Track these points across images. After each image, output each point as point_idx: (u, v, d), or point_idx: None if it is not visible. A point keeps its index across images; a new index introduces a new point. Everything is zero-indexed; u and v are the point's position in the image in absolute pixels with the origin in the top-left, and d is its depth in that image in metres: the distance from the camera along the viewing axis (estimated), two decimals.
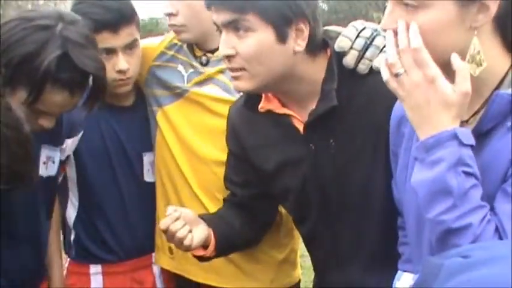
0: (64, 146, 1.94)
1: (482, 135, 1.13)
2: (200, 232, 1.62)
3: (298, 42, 1.48)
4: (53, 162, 1.89)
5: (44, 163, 1.85)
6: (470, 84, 1.15)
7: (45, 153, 1.85)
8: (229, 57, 1.48)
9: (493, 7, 1.11)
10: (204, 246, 1.68)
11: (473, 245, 1.00)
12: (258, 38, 1.45)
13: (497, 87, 1.15)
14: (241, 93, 1.73)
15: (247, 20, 1.44)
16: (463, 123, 1.19)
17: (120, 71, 2.01)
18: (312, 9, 1.48)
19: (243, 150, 1.71)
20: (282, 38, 1.46)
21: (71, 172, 2.09)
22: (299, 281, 2.14)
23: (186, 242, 1.59)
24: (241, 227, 1.75)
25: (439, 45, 1.13)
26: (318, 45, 1.52)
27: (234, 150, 1.75)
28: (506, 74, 1.15)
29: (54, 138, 1.88)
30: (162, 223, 1.58)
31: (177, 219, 1.58)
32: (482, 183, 1.11)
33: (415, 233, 1.27)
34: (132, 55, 2.03)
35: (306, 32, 1.47)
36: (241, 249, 1.85)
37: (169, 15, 1.96)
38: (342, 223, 1.59)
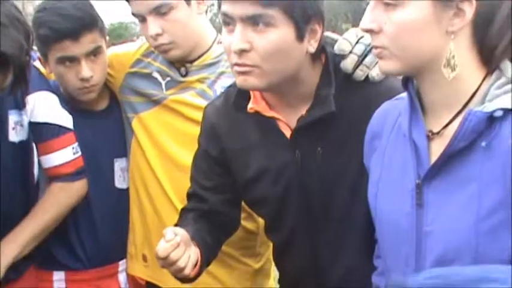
0: (27, 106, 1.92)
1: (456, 152, 1.12)
2: (193, 256, 1.52)
3: (311, 42, 1.44)
4: (21, 125, 1.89)
5: (13, 128, 1.85)
6: (442, 95, 1.16)
7: (12, 118, 1.86)
8: (241, 53, 1.39)
9: (469, 12, 1.11)
10: None
11: (439, 269, 1.02)
12: (280, 34, 1.38)
13: (469, 101, 1.14)
14: (219, 94, 1.71)
15: (271, 14, 1.37)
16: (434, 134, 1.18)
17: (83, 79, 1.99)
18: (324, 11, 1.45)
19: (222, 152, 1.64)
20: (300, 36, 1.40)
21: (42, 173, 2.06)
22: None
23: (187, 271, 1.47)
24: (212, 242, 1.66)
25: (414, 46, 1.13)
26: (319, 49, 1.49)
27: (210, 152, 1.66)
28: (479, 87, 1.14)
29: (18, 101, 1.88)
30: (163, 250, 1.42)
31: (178, 245, 1.43)
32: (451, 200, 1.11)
33: (389, 247, 1.26)
34: (96, 62, 2.01)
35: (319, 33, 1.44)
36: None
37: (156, 35, 1.90)
38: (322, 233, 1.55)
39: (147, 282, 2.16)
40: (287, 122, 1.53)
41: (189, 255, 1.48)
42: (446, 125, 1.17)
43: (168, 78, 2.04)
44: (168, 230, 1.47)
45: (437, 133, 1.18)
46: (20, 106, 1.90)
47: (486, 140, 1.09)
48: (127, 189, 2.17)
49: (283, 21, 1.38)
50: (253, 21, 1.38)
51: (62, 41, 1.95)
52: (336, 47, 1.49)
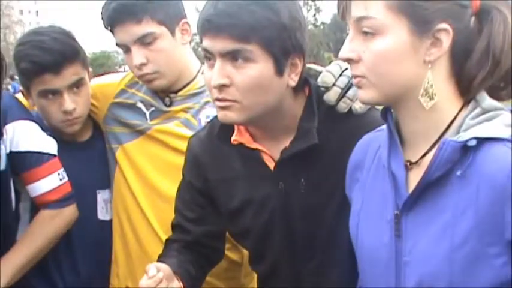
0: (5, 136, 1.89)
1: (432, 182, 1.13)
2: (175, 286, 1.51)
3: (291, 76, 1.44)
4: None
5: None
6: (420, 125, 1.17)
7: None
8: (221, 88, 1.40)
9: (446, 41, 1.12)
10: None
11: None
12: (258, 69, 1.39)
13: (445, 131, 1.16)
14: (204, 125, 1.71)
15: (249, 50, 1.37)
16: (412, 164, 1.19)
17: (66, 112, 1.99)
18: (306, 45, 1.46)
19: (206, 183, 1.64)
20: (279, 71, 1.41)
21: (25, 199, 2.04)
22: None
23: None
24: (196, 274, 1.65)
25: (392, 74, 1.14)
26: (301, 81, 1.49)
27: (194, 182, 1.66)
28: (455, 118, 1.15)
29: None
30: (145, 285, 1.42)
31: (161, 281, 1.43)
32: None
33: (370, 277, 1.26)
34: (79, 94, 2.01)
35: (300, 67, 1.45)
36: None
37: (141, 65, 1.91)
38: (305, 264, 1.55)
39: None
40: (271, 153, 1.53)
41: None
42: (424, 155, 1.17)
43: (153, 108, 2.04)
44: (151, 266, 1.46)
45: (416, 163, 1.19)
46: None
47: (461, 169, 1.10)
48: (110, 221, 2.15)
49: (261, 56, 1.39)
50: (232, 56, 1.39)
51: (43, 74, 1.95)
52: (319, 80, 1.50)
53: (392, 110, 1.23)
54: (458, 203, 1.10)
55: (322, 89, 1.50)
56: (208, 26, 1.40)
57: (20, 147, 1.95)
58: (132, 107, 2.07)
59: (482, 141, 1.09)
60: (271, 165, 1.53)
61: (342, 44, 1.20)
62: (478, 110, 1.14)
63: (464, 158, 1.10)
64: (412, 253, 1.16)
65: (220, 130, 1.56)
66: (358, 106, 1.48)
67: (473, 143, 1.09)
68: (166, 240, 1.75)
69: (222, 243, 1.76)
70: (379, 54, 1.14)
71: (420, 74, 1.14)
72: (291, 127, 1.50)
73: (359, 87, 1.19)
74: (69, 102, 1.98)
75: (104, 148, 2.14)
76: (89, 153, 2.15)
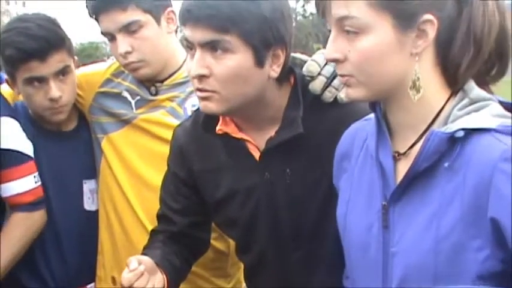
0: None
1: (420, 173, 1.12)
2: (158, 284, 1.50)
3: (273, 67, 1.44)
4: None
5: None
6: (408, 116, 1.16)
7: None
8: (201, 78, 1.40)
9: (431, 33, 1.11)
10: None
11: None
12: (237, 60, 1.39)
13: (433, 121, 1.15)
14: (190, 115, 1.70)
15: (228, 40, 1.37)
16: (400, 155, 1.19)
17: (52, 99, 1.96)
18: (289, 36, 1.45)
19: (190, 173, 1.63)
20: (260, 62, 1.40)
21: None
22: None
23: None
24: (181, 265, 1.65)
25: (380, 72, 1.13)
26: (286, 71, 1.49)
27: (179, 173, 1.65)
28: (442, 108, 1.15)
29: None
30: (126, 280, 1.41)
31: (142, 274, 1.42)
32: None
33: (357, 268, 1.26)
34: (65, 82, 1.99)
35: (282, 58, 1.44)
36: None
37: (126, 53, 1.90)
38: (292, 254, 1.54)
39: None
40: (256, 143, 1.52)
41: (153, 284, 1.46)
42: (412, 146, 1.17)
43: (138, 97, 2.03)
44: (133, 258, 1.46)
45: (404, 154, 1.18)
46: None
47: (448, 161, 1.10)
48: (96, 211, 2.14)
49: (240, 47, 1.39)
50: (211, 46, 1.39)
51: (28, 61, 1.93)
52: (304, 69, 1.49)
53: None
54: (445, 194, 1.10)
55: (308, 78, 1.49)
56: (188, 16, 1.40)
57: (1, 145, 1.93)
58: (118, 96, 2.06)
59: (470, 132, 1.08)
60: (257, 155, 1.52)
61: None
62: (465, 101, 1.13)
63: (452, 149, 1.09)
64: (399, 244, 1.16)
65: (204, 120, 1.56)
66: (344, 95, 1.46)
67: (461, 134, 1.08)
68: (152, 230, 1.74)
69: (207, 233, 1.75)
70: (365, 53, 1.12)
71: (407, 67, 1.13)
72: (276, 117, 1.49)
73: (347, 85, 1.18)
74: (55, 89, 1.97)
75: (90, 138, 2.12)
76: (74, 143, 2.13)
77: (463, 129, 1.08)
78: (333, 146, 1.41)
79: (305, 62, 1.52)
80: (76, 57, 2.11)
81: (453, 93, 1.16)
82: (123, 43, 1.91)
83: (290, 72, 1.51)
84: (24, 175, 1.97)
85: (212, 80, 1.41)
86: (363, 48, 1.12)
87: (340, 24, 1.14)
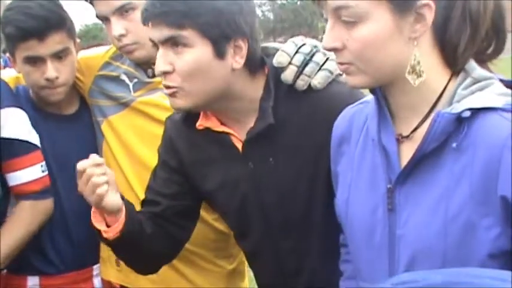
0: None
1: (426, 155, 1.11)
2: (116, 197, 1.47)
3: (236, 59, 1.43)
4: None
5: None
6: (409, 99, 1.15)
7: None
8: (165, 74, 1.42)
9: (429, 16, 1.09)
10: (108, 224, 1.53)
11: (408, 274, 1.01)
12: (196, 54, 1.40)
13: (436, 102, 1.14)
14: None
15: (185, 35, 1.39)
16: (404, 138, 1.17)
17: (48, 79, 1.96)
18: (250, 27, 1.44)
19: (181, 165, 1.63)
20: (220, 54, 1.41)
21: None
22: None
23: (100, 191, 1.43)
24: (152, 235, 1.60)
25: (379, 58, 1.12)
26: (256, 62, 1.48)
27: (170, 163, 1.65)
28: (445, 89, 1.14)
29: None
30: (80, 164, 1.44)
31: (98, 165, 1.44)
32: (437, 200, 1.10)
33: (361, 252, 1.25)
34: (63, 63, 1.97)
35: (245, 50, 1.43)
36: (146, 259, 1.66)
37: (120, 36, 1.90)
38: (284, 240, 1.55)
39: (121, 286, 2.14)
40: (238, 135, 1.53)
41: (106, 180, 1.45)
42: (416, 128, 1.16)
43: (135, 80, 2.03)
44: (94, 154, 1.48)
45: (407, 136, 1.17)
46: None
47: (456, 141, 1.09)
48: None
49: (198, 41, 1.40)
50: (172, 43, 1.41)
51: (27, 40, 1.92)
52: (274, 60, 1.49)
53: None
54: (452, 174, 1.09)
55: (280, 68, 1.49)
56: (146, 15, 1.42)
57: (8, 134, 1.94)
58: (116, 79, 2.06)
59: (476, 111, 1.08)
60: (240, 146, 1.52)
61: None
62: (468, 80, 1.12)
63: (459, 130, 1.09)
64: (406, 226, 1.15)
65: (185, 116, 1.57)
66: (317, 82, 1.47)
67: (468, 114, 1.07)
68: None
69: (190, 223, 1.71)
70: (364, 41, 1.11)
71: (406, 52, 1.12)
72: (254, 108, 1.50)
73: (347, 73, 1.17)
74: (51, 70, 1.96)
75: (91, 121, 2.12)
76: (76, 126, 2.13)
77: (469, 109, 1.07)
78: (312, 131, 1.42)
79: (277, 50, 1.51)
80: (78, 40, 2.10)
81: (454, 74, 1.15)
82: (117, 25, 1.91)
83: (263, 63, 1.51)
84: (31, 164, 1.97)
85: (175, 75, 1.42)
86: (361, 36, 1.11)
87: (337, 13, 1.13)
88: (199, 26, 1.39)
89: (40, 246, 2.08)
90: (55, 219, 2.07)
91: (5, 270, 2.04)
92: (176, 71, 1.42)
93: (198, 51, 1.41)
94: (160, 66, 1.43)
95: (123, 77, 2.05)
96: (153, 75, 2.01)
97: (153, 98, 2.01)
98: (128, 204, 1.55)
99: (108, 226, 1.51)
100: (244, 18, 1.43)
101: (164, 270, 1.77)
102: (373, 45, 1.11)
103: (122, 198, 1.53)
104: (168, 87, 1.44)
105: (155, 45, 1.45)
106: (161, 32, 1.41)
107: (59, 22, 1.96)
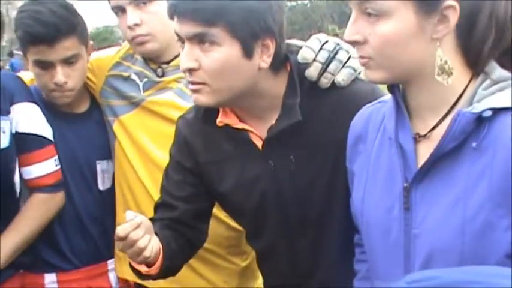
0: (11, 115, 1.91)
1: (444, 154, 1.10)
2: (155, 243, 1.47)
3: (263, 58, 1.42)
4: (4, 132, 1.87)
5: None
6: (429, 98, 1.14)
7: None
8: (191, 71, 1.40)
9: (453, 18, 1.09)
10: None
11: (422, 272, 0.96)
12: (224, 52, 1.38)
13: (456, 103, 1.13)
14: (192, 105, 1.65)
15: (214, 33, 1.37)
16: (421, 137, 1.16)
17: (57, 84, 1.97)
18: (279, 27, 1.42)
19: (196, 165, 1.61)
20: (248, 53, 1.39)
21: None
22: None
23: (146, 254, 1.40)
24: (177, 249, 1.59)
25: (399, 56, 1.11)
26: (281, 60, 1.47)
27: (185, 163, 1.63)
28: (465, 90, 1.13)
29: (1, 107, 1.88)
30: (121, 229, 1.37)
31: (138, 226, 1.38)
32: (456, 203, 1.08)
33: (377, 251, 1.24)
34: (72, 68, 1.98)
35: (272, 49, 1.42)
36: (175, 272, 1.68)
37: (134, 25, 1.90)
38: (300, 239, 1.54)
39: (135, 283, 2.13)
40: (258, 133, 1.51)
41: (149, 238, 1.41)
42: (434, 127, 1.15)
43: (146, 79, 2.04)
44: (129, 211, 1.42)
45: (425, 136, 1.16)
46: (4, 113, 1.89)
47: (476, 141, 1.07)
48: (109, 190, 2.16)
49: (227, 40, 1.38)
50: (199, 39, 1.39)
51: (37, 45, 1.93)
52: (299, 56, 1.47)
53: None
54: (471, 174, 1.08)
55: (303, 64, 1.48)
56: (175, 10, 1.40)
57: (24, 129, 1.95)
58: (127, 79, 2.07)
59: (496, 111, 1.06)
60: (260, 144, 1.51)
61: (346, 16, 1.17)
62: (489, 81, 1.11)
63: (479, 129, 1.07)
64: (423, 225, 1.14)
65: (205, 112, 1.55)
66: (341, 79, 1.46)
67: (489, 113, 1.06)
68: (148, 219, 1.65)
69: (206, 225, 1.71)
70: (386, 37, 1.11)
71: (428, 51, 1.11)
72: (276, 105, 1.48)
73: (366, 67, 1.16)
74: (60, 75, 1.96)
75: (102, 119, 2.13)
76: (86, 125, 2.14)
77: (490, 108, 1.06)
78: (334, 129, 1.41)
79: (300, 47, 1.50)
80: (92, 42, 2.11)
81: (474, 74, 1.14)
82: (133, 15, 1.91)
83: (286, 60, 1.49)
84: (45, 158, 2.00)
85: (201, 72, 1.40)
86: (383, 32, 1.11)
87: (362, 6, 1.12)
88: (229, 25, 1.37)
89: (55, 242, 2.11)
90: (68, 216, 2.10)
91: (21, 270, 2.06)
92: (202, 68, 1.40)
93: (226, 50, 1.39)
94: (186, 62, 1.41)
95: (134, 77, 2.06)
96: (163, 74, 2.02)
97: (163, 97, 2.01)
98: (161, 233, 1.52)
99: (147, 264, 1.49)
100: (273, 17, 1.41)
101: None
102: (394, 42, 1.11)
103: (158, 229, 1.50)
104: (192, 83, 1.42)
105: (180, 39, 1.43)
106: (190, 28, 1.39)
107: (70, 28, 1.96)
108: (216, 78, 1.40)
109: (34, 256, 2.07)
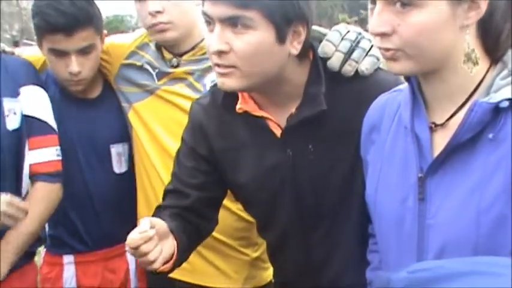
0: (20, 96, 1.93)
1: (460, 144, 1.08)
2: (168, 248, 1.43)
3: (294, 44, 1.39)
4: (14, 113, 1.90)
5: (7, 116, 1.86)
6: (446, 88, 1.12)
7: (6, 105, 1.87)
8: (220, 53, 1.35)
9: (483, 5, 1.07)
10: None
11: (424, 263, 0.99)
12: (258, 36, 1.34)
13: (473, 92, 1.11)
14: (207, 91, 1.65)
15: (249, 16, 1.32)
16: (437, 126, 1.15)
17: (71, 73, 1.98)
18: (311, 13, 1.40)
19: (211, 152, 1.58)
20: (281, 38, 1.36)
21: None
22: (271, 279, 2.09)
23: (156, 266, 1.39)
24: (187, 242, 1.56)
25: (431, 45, 1.08)
26: (308, 48, 1.45)
27: (199, 150, 1.60)
28: (483, 79, 1.11)
29: (10, 88, 1.91)
30: (133, 241, 1.34)
31: (150, 239, 1.35)
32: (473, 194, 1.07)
33: (389, 241, 1.22)
34: (87, 58, 2.00)
35: (303, 35, 1.39)
36: (183, 263, 1.61)
37: (156, 13, 1.91)
38: (314, 231, 1.52)
39: None
40: (277, 121, 1.48)
41: (160, 250, 1.38)
42: (451, 117, 1.13)
43: (157, 70, 2.05)
44: (145, 220, 1.39)
45: (441, 125, 1.14)
46: (13, 94, 1.91)
47: (493, 132, 1.05)
48: (125, 173, 2.18)
49: (262, 23, 1.34)
50: (231, 22, 1.34)
51: (54, 34, 1.94)
52: (319, 50, 1.45)
53: None
54: (487, 166, 1.06)
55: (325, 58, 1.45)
56: None
57: (30, 112, 1.96)
58: (141, 68, 2.08)
59: None
60: (278, 132, 1.48)
61: (357, 5, 1.15)
62: (505, 72, 1.09)
63: (496, 120, 1.05)
64: (437, 216, 1.12)
65: (224, 98, 1.51)
66: (364, 67, 1.43)
67: (506, 104, 1.04)
68: (157, 206, 1.65)
69: (215, 214, 1.68)
70: (418, 27, 1.07)
71: (456, 40, 1.09)
72: (297, 93, 1.45)
73: (393, 59, 1.12)
74: (75, 64, 1.98)
75: (115, 104, 2.15)
76: (99, 109, 2.16)
77: (508, 99, 1.04)
78: (355, 119, 1.37)
79: (324, 35, 1.47)
80: (105, 31, 2.12)
81: (492, 64, 1.12)
82: (155, 2, 1.92)
83: (309, 47, 1.46)
84: (47, 145, 1.99)
85: (232, 55, 1.36)
86: (416, 22, 1.07)
87: None
88: (265, 8, 1.33)
89: (71, 225, 2.16)
90: (83, 200, 2.13)
91: (44, 249, 2.15)
92: (234, 51, 1.35)
93: (260, 34, 1.34)
94: (217, 45, 1.35)
95: (146, 66, 2.07)
96: (178, 65, 2.03)
97: (175, 88, 2.02)
98: (175, 231, 1.49)
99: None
100: (306, 2, 1.38)
101: (192, 257, 1.72)
102: (427, 31, 1.07)
103: (171, 230, 1.47)
104: (220, 66, 1.37)
105: (208, 21, 1.39)
106: (224, 10, 1.33)
107: (87, 19, 1.96)
108: (247, 61, 1.36)
109: (53, 239, 2.15)
